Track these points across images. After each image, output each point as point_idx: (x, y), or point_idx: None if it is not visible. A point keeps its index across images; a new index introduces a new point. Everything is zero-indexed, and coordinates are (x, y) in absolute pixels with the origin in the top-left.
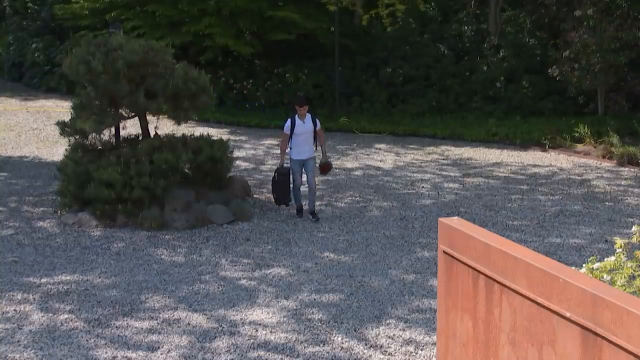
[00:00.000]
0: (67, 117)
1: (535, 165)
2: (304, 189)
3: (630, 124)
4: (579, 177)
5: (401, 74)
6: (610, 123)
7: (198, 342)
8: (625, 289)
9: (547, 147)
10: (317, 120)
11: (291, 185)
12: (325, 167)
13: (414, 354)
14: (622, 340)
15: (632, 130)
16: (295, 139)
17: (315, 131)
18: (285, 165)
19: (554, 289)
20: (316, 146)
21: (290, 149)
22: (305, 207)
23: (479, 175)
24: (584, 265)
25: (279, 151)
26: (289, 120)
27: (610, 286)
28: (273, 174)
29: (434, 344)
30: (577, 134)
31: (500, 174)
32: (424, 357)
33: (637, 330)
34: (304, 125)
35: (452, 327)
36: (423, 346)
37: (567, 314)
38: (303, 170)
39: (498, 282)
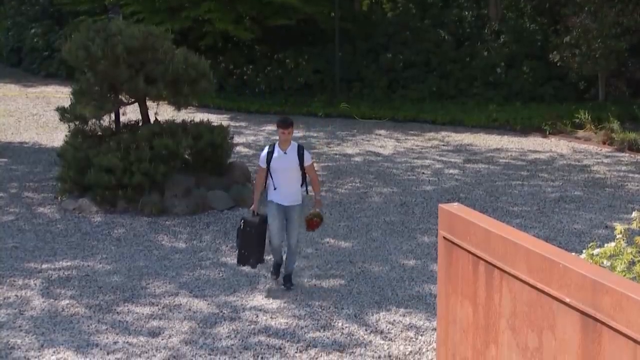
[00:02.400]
0: (66, 103)
1: (535, 151)
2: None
3: (630, 110)
4: (579, 163)
5: (401, 59)
6: (610, 109)
7: (199, 327)
8: (625, 275)
9: (547, 133)
10: (305, 153)
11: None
12: (313, 223)
13: (414, 339)
14: (621, 326)
15: (632, 116)
16: (273, 176)
17: (302, 170)
18: (260, 213)
19: (554, 274)
20: (307, 189)
21: (267, 189)
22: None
23: (479, 161)
24: (584, 251)
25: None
26: (265, 149)
27: (610, 272)
28: (239, 223)
29: (434, 329)
30: (577, 120)
31: (501, 160)
32: (424, 342)
33: (636, 316)
34: (285, 159)
35: (452, 312)
36: (423, 331)
37: (567, 300)
38: (283, 222)
39: (498, 268)
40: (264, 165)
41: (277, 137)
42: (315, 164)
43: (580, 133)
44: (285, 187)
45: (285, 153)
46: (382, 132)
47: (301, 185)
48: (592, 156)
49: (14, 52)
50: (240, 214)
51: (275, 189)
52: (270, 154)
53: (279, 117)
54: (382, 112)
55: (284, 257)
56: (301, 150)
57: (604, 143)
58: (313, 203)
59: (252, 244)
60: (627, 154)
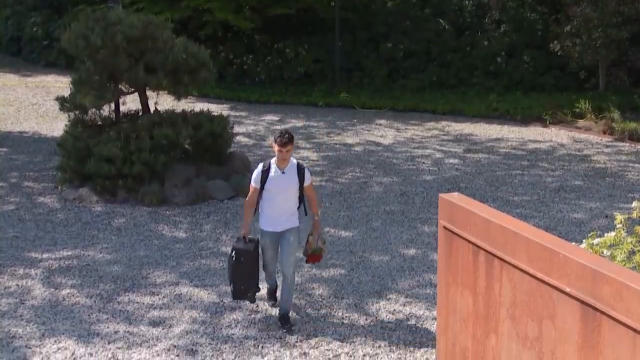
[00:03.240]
0: (66, 92)
1: (535, 141)
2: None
3: (631, 99)
4: (580, 153)
5: (402, 49)
6: (611, 98)
7: (200, 317)
8: (625, 264)
9: (547, 122)
10: (306, 171)
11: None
12: (315, 257)
13: (415, 328)
14: (621, 315)
15: (633, 106)
16: (267, 198)
17: (301, 189)
18: (252, 238)
19: (554, 264)
20: (305, 211)
21: (259, 213)
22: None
23: (479, 151)
24: (584, 240)
25: (279, 126)
26: (260, 167)
27: (610, 261)
28: (230, 252)
29: (434, 318)
30: (578, 110)
31: (501, 150)
32: (424, 331)
33: (636, 305)
34: (283, 179)
35: (452, 302)
36: (423, 321)
37: (567, 289)
38: (278, 249)
39: (498, 258)
40: (257, 185)
41: (278, 127)
42: (315, 154)
43: (581, 123)
44: (280, 211)
45: (283, 173)
46: (383, 121)
47: (298, 208)
48: (592, 146)
49: (13, 41)
50: (240, 204)
51: (267, 214)
52: (265, 173)
53: (277, 132)
54: (382, 102)
55: (279, 286)
56: (302, 169)
57: (605, 133)
58: (311, 226)
59: (247, 276)
60: (627, 144)
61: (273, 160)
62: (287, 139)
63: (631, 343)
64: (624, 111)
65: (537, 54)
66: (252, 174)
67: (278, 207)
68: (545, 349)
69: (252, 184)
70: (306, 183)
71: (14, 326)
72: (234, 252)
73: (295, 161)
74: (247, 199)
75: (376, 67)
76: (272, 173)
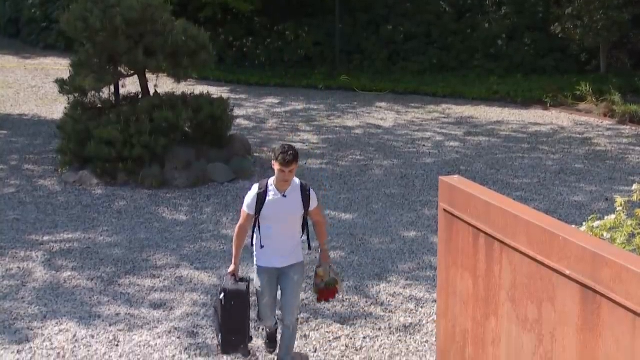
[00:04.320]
0: (66, 75)
1: (536, 124)
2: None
3: (632, 82)
4: (580, 136)
5: (402, 31)
6: (612, 81)
7: (200, 299)
8: (625, 247)
9: (548, 105)
10: (312, 193)
11: (254, 309)
12: (330, 291)
13: (415, 311)
14: (621, 298)
15: (634, 88)
16: (265, 227)
17: (305, 215)
18: (243, 276)
19: (554, 247)
20: (309, 243)
21: (254, 245)
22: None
23: (480, 134)
24: (584, 223)
25: (280, 109)
26: (255, 188)
27: (610, 244)
28: (218, 294)
29: (434, 301)
30: (578, 92)
31: (502, 133)
32: (424, 314)
33: (636, 288)
34: (285, 204)
35: (452, 284)
36: (424, 303)
37: (567, 272)
38: (278, 288)
39: (498, 240)
40: (251, 212)
41: (278, 110)
42: (315, 137)
43: (582, 105)
44: (280, 242)
45: (284, 196)
46: (383, 104)
47: (302, 237)
48: (593, 129)
49: (11, 22)
50: (240, 187)
51: (263, 247)
52: (261, 196)
53: (278, 148)
54: (383, 85)
55: (278, 332)
56: (307, 191)
57: (605, 115)
58: (318, 258)
59: (239, 323)
60: (628, 127)
61: (271, 181)
62: (291, 157)
63: (631, 325)
64: (625, 94)
65: (538, 37)
66: (246, 194)
67: (278, 239)
68: (545, 332)
69: (245, 209)
70: (312, 207)
71: (16, 308)
72: (222, 295)
73: (298, 181)
74: (236, 228)
75: (376, 50)
76: (270, 197)
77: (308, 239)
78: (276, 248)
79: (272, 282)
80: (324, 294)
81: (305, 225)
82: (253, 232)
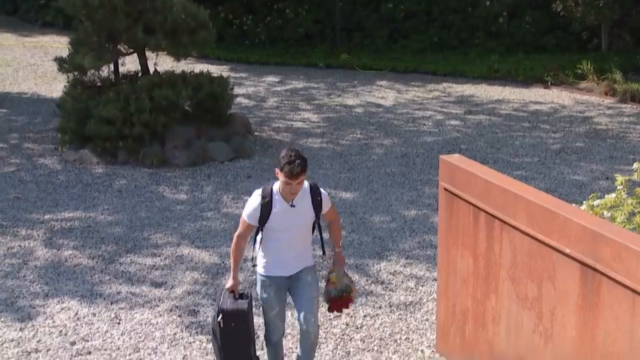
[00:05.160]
0: (64, 53)
1: (537, 102)
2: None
3: (634, 60)
4: (581, 114)
5: (402, 9)
6: (613, 59)
7: (201, 278)
8: (625, 226)
9: (549, 83)
10: (323, 196)
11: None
12: (344, 300)
13: (415, 289)
14: (620, 276)
15: (635, 67)
16: (270, 238)
17: (317, 221)
18: (243, 292)
19: (554, 225)
20: (323, 247)
21: (257, 254)
22: None
23: (480, 113)
24: (584, 202)
25: (280, 87)
26: (257, 197)
27: (610, 223)
28: (215, 317)
29: (434, 279)
30: (579, 71)
31: (502, 111)
32: (424, 292)
33: (635, 266)
34: (293, 214)
35: (452, 263)
36: (424, 282)
37: (567, 250)
38: (289, 299)
39: (499, 219)
40: (253, 223)
41: (278, 89)
42: (316, 115)
43: (583, 84)
44: (289, 253)
45: (292, 206)
46: (383, 83)
47: (312, 240)
48: (594, 107)
49: None
50: (241, 166)
51: (270, 256)
52: (265, 207)
53: (283, 156)
54: (383, 63)
55: (297, 354)
56: (317, 195)
57: (606, 94)
58: (332, 261)
59: (241, 347)
60: (629, 105)
61: (276, 188)
62: (299, 168)
63: (630, 304)
64: (626, 72)
65: (539, 14)
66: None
67: (286, 249)
68: (545, 310)
69: (245, 219)
70: (325, 209)
71: (18, 286)
72: (220, 316)
73: (306, 184)
74: (234, 237)
75: (377, 28)
76: (276, 208)
77: (322, 242)
78: (283, 259)
79: (281, 291)
80: (337, 303)
81: (317, 227)
82: (255, 238)
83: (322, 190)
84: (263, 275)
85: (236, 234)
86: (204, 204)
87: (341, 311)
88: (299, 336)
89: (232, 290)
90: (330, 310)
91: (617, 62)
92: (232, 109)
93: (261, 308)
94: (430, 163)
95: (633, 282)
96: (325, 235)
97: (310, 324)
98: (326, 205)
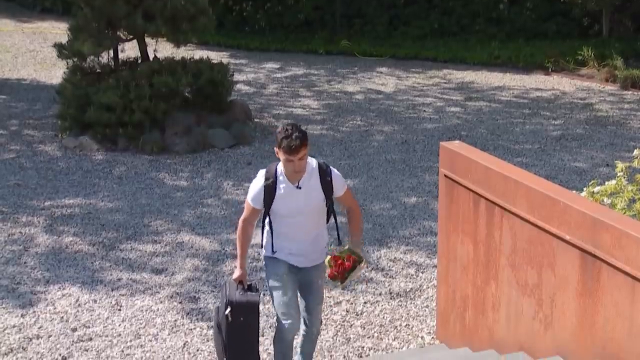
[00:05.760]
0: (64, 39)
1: (537, 89)
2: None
3: (635, 46)
4: (582, 101)
5: None
6: (614, 45)
7: (202, 264)
8: (625, 212)
9: (550, 70)
10: (334, 176)
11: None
12: (341, 262)
13: (415, 276)
14: (620, 263)
15: (636, 53)
16: (279, 223)
17: (330, 204)
18: (251, 283)
19: (554, 212)
20: (339, 237)
21: (265, 235)
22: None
23: (481, 99)
24: (584, 189)
25: (280, 74)
26: (260, 178)
27: (610, 209)
28: (223, 309)
29: (434, 266)
30: (580, 57)
31: (503, 98)
32: (425, 279)
33: (635, 253)
34: (300, 196)
35: (452, 249)
36: (424, 269)
37: (567, 237)
38: (299, 292)
39: (499, 206)
40: (257, 206)
41: (278, 75)
42: (316, 102)
43: (583, 70)
44: (300, 241)
45: (298, 187)
46: (384, 69)
47: (326, 228)
48: (594, 94)
49: None
50: (241, 152)
51: (281, 241)
52: (269, 189)
53: (280, 130)
54: (383, 50)
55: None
56: (327, 175)
57: (607, 80)
58: (344, 242)
59: (249, 343)
60: (630, 92)
61: (281, 168)
62: (297, 141)
63: (630, 290)
64: (627, 58)
65: (539, 1)
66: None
67: (296, 237)
68: (545, 296)
69: (250, 202)
70: (338, 193)
71: (19, 273)
72: (229, 309)
73: (315, 163)
74: (240, 222)
75: (377, 14)
76: (281, 190)
77: (337, 230)
78: (293, 247)
79: (293, 276)
80: (337, 262)
81: (330, 214)
82: (263, 223)
83: (333, 170)
84: (272, 257)
85: (241, 218)
86: (204, 190)
87: (343, 276)
88: (300, 338)
89: (240, 281)
90: (331, 275)
91: (618, 49)
92: (232, 95)
93: (270, 301)
94: (430, 150)
95: (633, 268)
96: (342, 220)
97: (316, 320)
98: (339, 188)
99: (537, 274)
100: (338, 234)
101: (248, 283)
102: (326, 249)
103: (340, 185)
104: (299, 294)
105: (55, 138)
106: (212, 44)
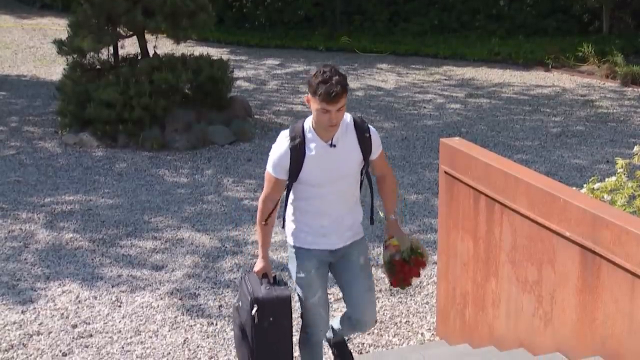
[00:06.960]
0: (64, 35)
1: (538, 86)
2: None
3: (635, 43)
4: (582, 98)
5: None
6: (614, 42)
7: (202, 261)
8: (625, 209)
9: (550, 67)
10: (372, 133)
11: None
12: (409, 268)
13: None
14: (620, 259)
15: (637, 50)
16: (308, 197)
17: (365, 168)
18: (277, 277)
19: (554, 208)
20: (372, 214)
21: (287, 221)
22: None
23: (481, 96)
24: (584, 185)
25: (280, 70)
26: (283, 140)
27: (610, 206)
28: (249, 309)
29: (434, 263)
30: (580, 54)
31: (503, 94)
32: (424, 275)
33: (635, 249)
34: (335, 157)
35: (452, 246)
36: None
37: (567, 234)
38: (334, 281)
39: (499, 202)
40: (281, 177)
41: (279, 71)
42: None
43: (584, 67)
44: (332, 215)
45: (332, 145)
46: (384, 66)
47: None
48: (595, 90)
49: None
50: (241, 149)
51: (309, 222)
52: (296, 152)
53: (316, 74)
54: (384, 46)
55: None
56: (364, 131)
57: (607, 77)
58: (384, 230)
59: (281, 349)
60: (630, 88)
61: (308, 124)
62: (338, 87)
63: (630, 287)
64: (627, 55)
65: None
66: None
67: (330, 210)
68: (545, 293)
69: (271, 172)
70: (374, 154)
71: (19, 269)
72: (255, 309)
73: (349, 117)
74: (260, 202)
75: (377, 11)
76: (311, 150)
77: (372, 204)
78: (326, 224)
79: (324, 270)
80: (405, 269)
81: (361, 184)
82: (286, 202)
83: (372, 128)
84: (298, 248)
85: (261, 198)
86: (204, 187)
87: (409, 282)
88: (345, 323)
89: (264, 275)
90: (394, 282)
91: (618, 45)
92: (232, 92)
93: (296, 296)
94: (430, 146)
95: (633, 265)
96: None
97: (368, 309)
98: (377, 148)
99: (537, 270)
100: (372, 213)
101: (275, 276)
102: (361, 227)
103: (378, 144)
104: (342, 284)
105: (55, 135)
106: (212, 40)
